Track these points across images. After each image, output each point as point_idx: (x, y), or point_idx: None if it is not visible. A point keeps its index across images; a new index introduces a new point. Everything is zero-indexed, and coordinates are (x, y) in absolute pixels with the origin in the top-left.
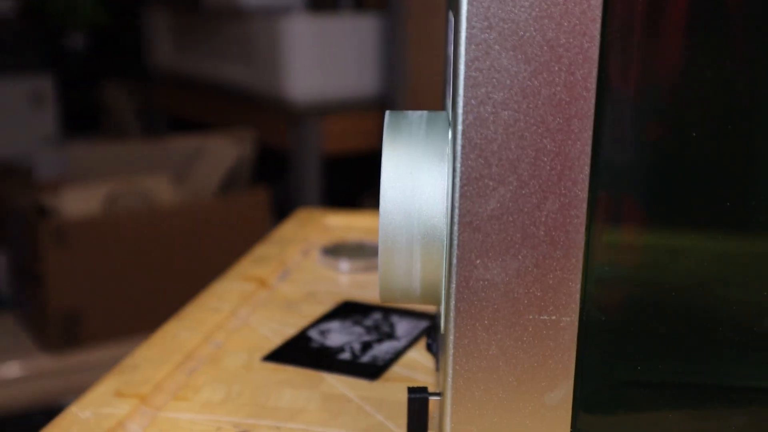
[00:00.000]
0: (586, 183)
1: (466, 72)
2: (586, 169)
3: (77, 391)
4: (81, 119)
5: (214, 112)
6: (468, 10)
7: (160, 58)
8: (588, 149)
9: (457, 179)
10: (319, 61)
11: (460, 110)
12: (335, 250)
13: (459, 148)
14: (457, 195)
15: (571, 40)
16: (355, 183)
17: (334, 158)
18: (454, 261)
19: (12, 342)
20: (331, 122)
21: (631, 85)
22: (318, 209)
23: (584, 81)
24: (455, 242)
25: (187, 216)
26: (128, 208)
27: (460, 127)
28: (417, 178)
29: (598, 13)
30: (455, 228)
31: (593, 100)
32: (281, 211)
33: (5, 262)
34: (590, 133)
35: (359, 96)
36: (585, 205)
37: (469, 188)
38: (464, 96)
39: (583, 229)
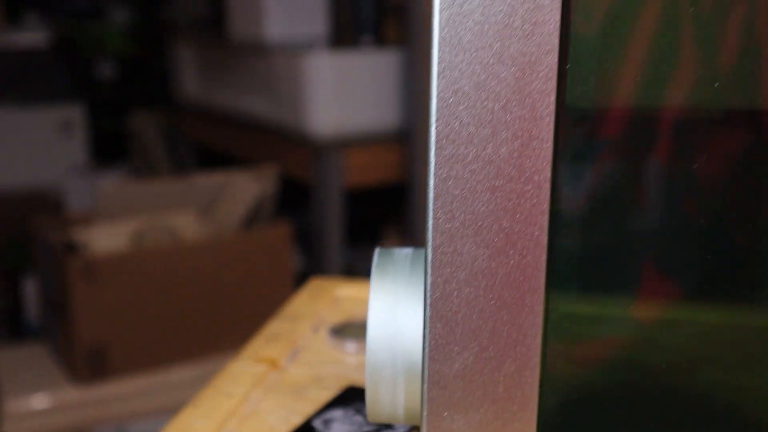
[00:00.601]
0: (539, 349)
1: (433, 255)
2: (539, 338)
3: (104, 422)
4: (110, 147)
5: (238, 144)
6: (434, 205)
7: (187, 88)
8: (539, 321)
9: (426, 344)
10: (341, 96)
11: (428, 286)
12: (342, 330)
13: (428, 318)
14: (426, 358)
15: (524, 228)
16: (377, 215)
17: (355, 191)
18: (425, 414)
19: (41, 373)
20: (353, 155)
21: (575, 268)
22: (330, 279)
23: (535, 263)
24: (425, 397)
25: (211, 251)
26: (154, 244)
27: (428, 301)
28: (400, 318)
29: (545, 207)
30: (425, 386)
31: (543, 279)
32: (305, 242)
33: (36, 291)
34: (541, 307)
35: (380, 129)
36: (538, 368)
37: (436, 352)
38: (432, 275)
39: (536, 388)
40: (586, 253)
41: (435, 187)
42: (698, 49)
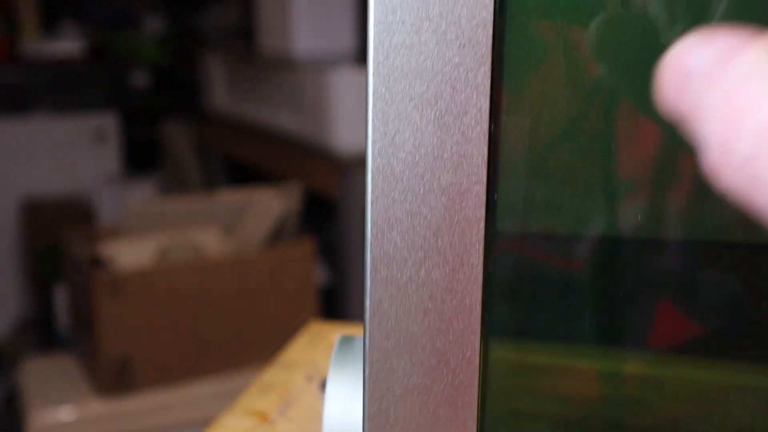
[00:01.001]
0: None
1: (369, 371)
2: None
3: None
4: (142, 155)
5: (265, 156)
6: (370, 324)
7: (216, 100)
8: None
9: None
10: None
11: (366, 401)
12: None
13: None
14: None
15: (456, 348)
16: None
17: None
18: None
19: (67, 385)
20: None
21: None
22: (328, 323)
23: (468, 380)
24: None
25: (234, 267)
26: (179, 260)
27: (366, 413)
28: (354, 411)
29: (477, 328)
30: None
31: (476, 396)
32: (329, 256)
33: (66, 301)
34: (475, 422)
35: None
36: None
37: None
38: (369, 390)
39: None
40: (516, 372)
41: (371, 308)
42: (618, 182)
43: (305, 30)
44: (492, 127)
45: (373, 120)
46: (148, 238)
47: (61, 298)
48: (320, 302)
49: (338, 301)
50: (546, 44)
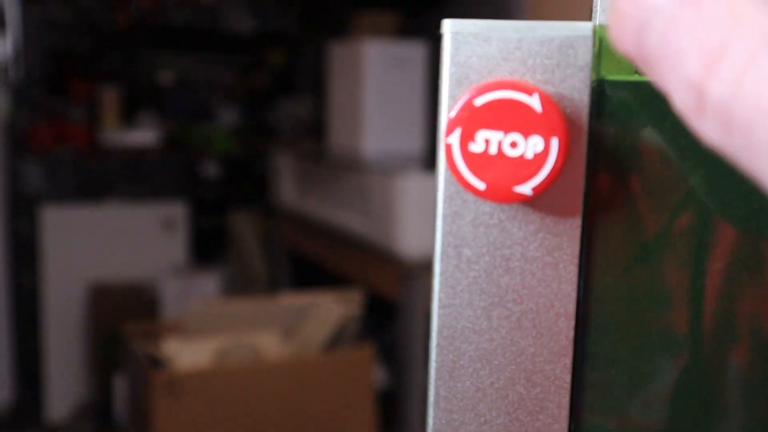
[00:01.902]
0: None
1: None
2: None
3: None
4: (209, 245)
5: (329, 254)
6: None
7: (284, 194)
8: None
9: None
10: (431, 219)
11: None
12: None
13: None
14: None
15: None
16: None
17: None
18: None
19: None
20: None
21: None
22: None
23: None
24: None
25: (293, 371)
26: (237, 362)
27: None
28: None
29: None
30: None
31: None
32: (390, 358)
33: (124, 390)
34: None
35: None
36: None
37: None
38: None
39: None
40: None
41: None
42: None
43: (375, 131)
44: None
45: (434, 412)
46: (207, 338)
47: (120, 388)
48: (379, 404)
49: (397, 404)
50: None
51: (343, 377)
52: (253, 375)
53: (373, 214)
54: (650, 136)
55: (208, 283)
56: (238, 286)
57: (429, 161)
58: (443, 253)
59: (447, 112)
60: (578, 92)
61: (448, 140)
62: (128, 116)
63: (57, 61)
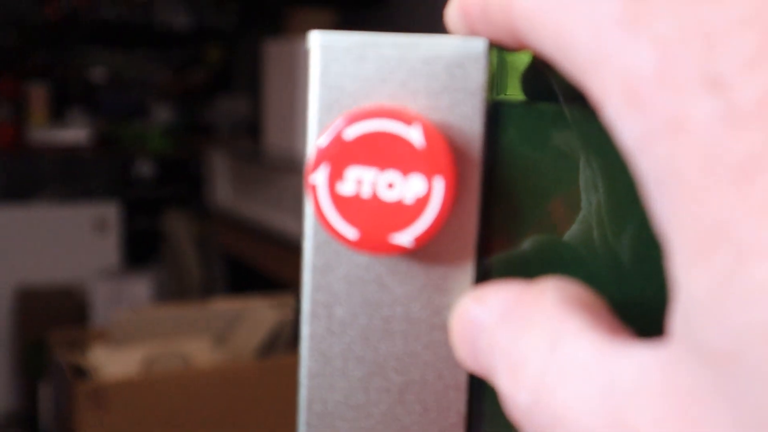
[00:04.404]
0: None
1: None
2: None
3: None
4: (143, 246)
5: (266, 258)
6: None
7: (220, 196)
8: None
9: None
10: None
11: None
12: None
13: None
14: None
15: None
16: None
17: None
18: None
19: None
20: None
21: None
22: None
23: None
24: None
25: (225, 379)
26: (166, 371)
27: None
28: None
29: None
30: None
31: None
32: None
33: (49, 401)
34: None
35: None
36: None
37: None
38: None
39: None
40: None
41: None
42: None
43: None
44: None
45: None
46: (135, 346)
47: (46, 398)
48: None
49: None
50: None
51: (278, 384)
52: (182, 383)
53: None
54: (556, 164)
55: (141, 287)
56: (173, 289)
57: None
58: (312, 313)
59: (313, 144)
60: (469, 120)
61: (313, 180)
62: (58, 114)
63: None
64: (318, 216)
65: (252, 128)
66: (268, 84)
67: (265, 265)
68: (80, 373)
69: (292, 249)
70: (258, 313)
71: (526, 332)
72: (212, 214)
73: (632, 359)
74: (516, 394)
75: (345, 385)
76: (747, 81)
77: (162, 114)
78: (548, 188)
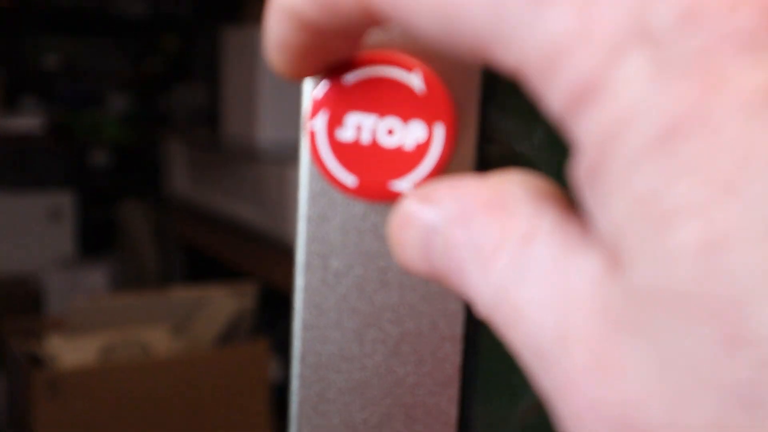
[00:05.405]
0: None
1: None
2: None
3: None
4: (98, 236)
5: (224, 247)
6: None
7: (177, 184)
8: None
9: None
10: None
11: None
12: None
13: None
14: None
15: None
16: None
17: None
18: None
19: None
20: None
21: None
22: None
23: None
24: None
25: (184, 367)
26: (123, 359)
27: None
28: None
29: None
30: None
31: None
32: (284, 354)
33: (3, 394)
34: None
35: None
36: None
37: None
38: None
39: None
40: None
41: None
42: None
43: (270, 119)
44: None
45: None
46: (93, 335)
47: (1, 390)
48: (274, 399)
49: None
50: None
51: (237, 372)
52: (140, 372)
53: (268, 205)
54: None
55: (96, 277)
56: (129, 279)
57: None
58: (307, 264)
59: (311, 91)
60: (468, 69)
61: (312, 125)
62: (11, 102)
63: None
64: (316, 163)
65: (210, 117)
66: (226, 72)
67: (223, 254)
68: (36, 362)
69: (251, 238)
70: (217, 302)
71: (498, 224)
72: (170, 204)
73: (585, 269)
74: (484, 286)
75: (339, 336)
76: (680, 36)
77: (118, 103)
78: (543, 143)
